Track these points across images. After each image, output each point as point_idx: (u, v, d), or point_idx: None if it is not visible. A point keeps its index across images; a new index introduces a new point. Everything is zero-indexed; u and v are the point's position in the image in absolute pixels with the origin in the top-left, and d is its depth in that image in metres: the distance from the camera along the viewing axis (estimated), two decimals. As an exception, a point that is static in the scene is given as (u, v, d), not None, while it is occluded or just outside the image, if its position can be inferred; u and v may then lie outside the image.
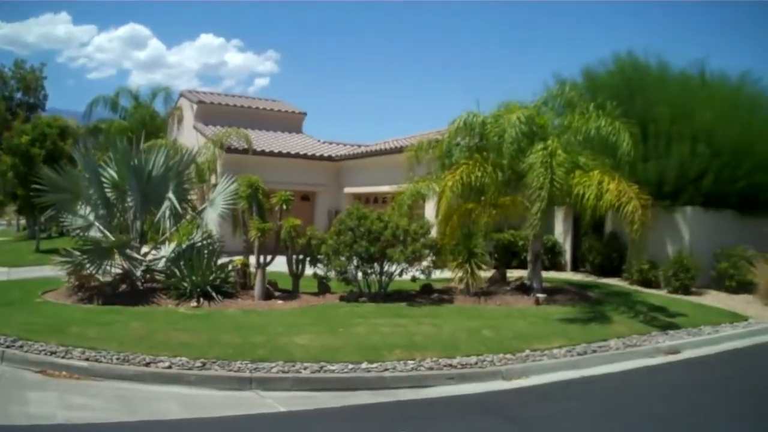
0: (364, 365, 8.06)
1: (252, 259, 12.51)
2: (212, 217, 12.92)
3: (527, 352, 9.15)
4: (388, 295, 12.57)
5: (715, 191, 16.06)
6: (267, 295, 11.98)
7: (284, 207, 12.70)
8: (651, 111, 16.22)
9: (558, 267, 18.96)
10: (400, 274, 12.70)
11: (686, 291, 15.07)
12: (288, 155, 25.56)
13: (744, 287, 15.41)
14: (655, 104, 16.33)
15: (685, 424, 6.68)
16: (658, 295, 14.65)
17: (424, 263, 12.83)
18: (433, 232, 13.55)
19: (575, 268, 18.81)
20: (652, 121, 16.08)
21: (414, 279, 12.95)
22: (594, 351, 9.60)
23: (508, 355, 8.93)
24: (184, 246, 12.89)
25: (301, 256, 13.01)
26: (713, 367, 9.63)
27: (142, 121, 32.05)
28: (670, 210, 16.37)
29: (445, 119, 15.79)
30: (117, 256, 12.20)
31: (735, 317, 12.76)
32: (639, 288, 15.52)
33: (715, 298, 14.78)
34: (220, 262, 12.44)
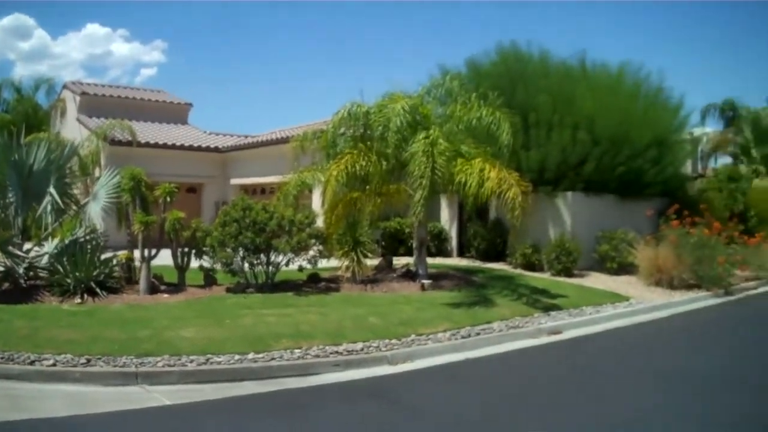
0: (250, 356, 8.26)
1: (136, 253, 12.38)
2: (95, 211, 12.68)
3: (413, 336, 9.57)
4: (275, 286, 12.72)
5: (595, 177, 17.01)
6: (152, 289, 11.92)
7: (168, 199, 12.62)
8: (533, 100, 16.97)
9: (444, 253, 19.63)
10: (287, 264, 12.85)
11: (568, 273, 15.96)
12: (173, 147, 25.44)
13: (625, 269, 16.53)
14: (537, 93, 17.07)
15: (564, 399, 7.19)
16: (542, 278, 15.42)
17: (311, 253, 13.02)
18: (319, 222, 13.77)
19: (461, 254, 19.52)
20: (533, 109, 16.86)
21: (301, 269, 13.13)
22: (478, 334, 10.10)
23: (394, 341, 9.30)
24: (67, 241, 12.58)
25: (186, 249, 13.00)
26: (594, 346, 10.27)
27: (25, 114, 31.19)
28: (552, 196, 17.26)
29: (331, 110, 16.02)
30: (-2, 254, 11.87)
31: (616, 298, 13.67)
32: (523, 272, 16.27)
33: (597, 280, 15.71)
34: (104, 257, 12.25)
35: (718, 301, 14.80)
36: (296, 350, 8.56)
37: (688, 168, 25.64)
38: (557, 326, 11.06)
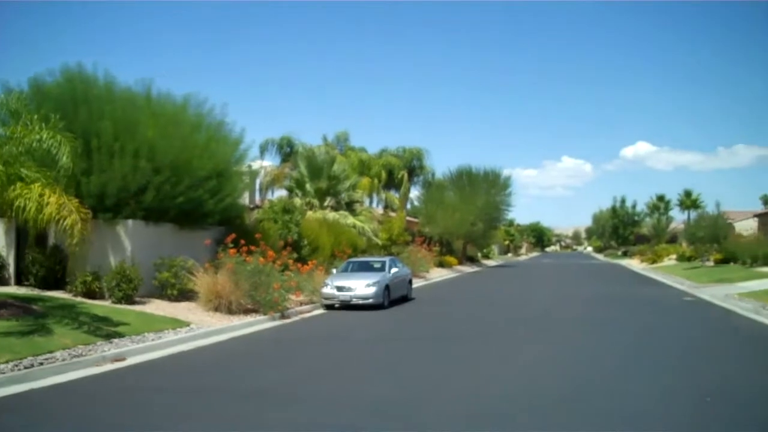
0: None
1: None
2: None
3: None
4: None
5: (156, 205, 18.38)
6: None
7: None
8: (96, 125, 17.66)
9: (2, 281, 19.16)
10: None
11: (130, 301, 17.06)
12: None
13: (185, 295, 18.29)
14: (101, 118, 17.79)
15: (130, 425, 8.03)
16: (103, 305, 16.26)
17: None
18: None
19: (19, 281, 19.23)
20: (96, 134, 17.55)
21: None
22: (41, 363, 10.69)
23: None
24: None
25: None
26: (158, 370, 11.43)
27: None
28: (113, 223, 18.18)
29: None
30: None
31: (178, 323, 15.26)
32: (84, 300, 16.86)
33: (158, 307, 17.09)
34: None
35: (275, 324, 17.39)
36: None
37: (246, 199, 28.47)
38: (121, 353, 12.11)
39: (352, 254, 29.74)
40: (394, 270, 23.47)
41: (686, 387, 9.74)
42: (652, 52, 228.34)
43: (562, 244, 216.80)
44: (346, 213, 35.35)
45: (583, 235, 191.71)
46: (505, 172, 64.58)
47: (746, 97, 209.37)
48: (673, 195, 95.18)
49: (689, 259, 55.08)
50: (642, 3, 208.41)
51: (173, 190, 18.48)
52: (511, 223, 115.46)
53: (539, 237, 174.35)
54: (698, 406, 8.57)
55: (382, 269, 23.17)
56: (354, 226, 34.51)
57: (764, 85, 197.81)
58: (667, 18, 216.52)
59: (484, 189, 60.76)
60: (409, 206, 61.94)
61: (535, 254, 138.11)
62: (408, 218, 53.55)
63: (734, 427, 7.61)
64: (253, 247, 18.87)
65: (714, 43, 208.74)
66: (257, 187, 43.08)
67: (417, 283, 31.80)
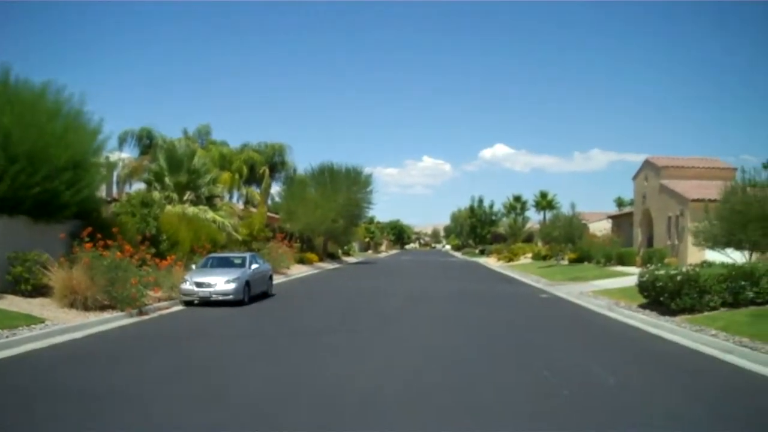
0: None
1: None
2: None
3: None
4: None
5: (11, 196, 17.80)
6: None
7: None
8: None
9: None
10: None
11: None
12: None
13: (40, 291, 17.84)
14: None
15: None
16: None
17: None
18: None
19: None
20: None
21: None
22: None
23: None
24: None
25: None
26: (6, 370, 11.05)
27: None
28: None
29: None
30: None
31: (31, 320, 14.85)
32: None
33: (11, 302, 16.59)
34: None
35: (133, 320, 17.27)
36: None
37: (103, 192, 27.82)
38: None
39: (212, 250, 29.66)
40: (254, 266, 23.72)
41: (534, 370, 10.91)
42: (510, 57, 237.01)
43: (422, 242, 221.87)
44: (206, 208, 35.12)
45: (442, 233, 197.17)
46: (367, 170, 65.56)
47: (603, 104, 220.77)
48: (530, 196, 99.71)
49: (544, 258, 57.93)
50: (497, 3, 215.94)
51: (29, 181, 17.95)
52: (371, 221, 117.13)
53: (399, 235, 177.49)
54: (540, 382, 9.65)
55: (242, 265, 23.34)
56: (214, 222, 34.36)
57: (620, 92, 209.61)
58: (525, 24, 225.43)
59: (345, 186, 61.73)
60: (270, 202, 61.96)
61: (394, 252, 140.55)
62: (269, 214, 53.66)
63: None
64: (110, 242, 18.67)
65: (574, 50, 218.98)
66: (115, 179, 42.03)
67: (278, 280, 32.12)
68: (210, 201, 36.72)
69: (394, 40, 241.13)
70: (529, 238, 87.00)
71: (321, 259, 57.73)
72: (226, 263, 23.92)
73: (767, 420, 8.55)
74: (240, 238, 38.14)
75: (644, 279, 20.03)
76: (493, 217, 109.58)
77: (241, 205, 53.26)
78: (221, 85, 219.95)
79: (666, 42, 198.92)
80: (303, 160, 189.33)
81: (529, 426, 7.93)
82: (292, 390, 9.69)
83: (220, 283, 21.09)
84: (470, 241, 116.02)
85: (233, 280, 21.30)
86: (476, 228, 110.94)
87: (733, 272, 17.96)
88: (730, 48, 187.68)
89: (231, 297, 20.99)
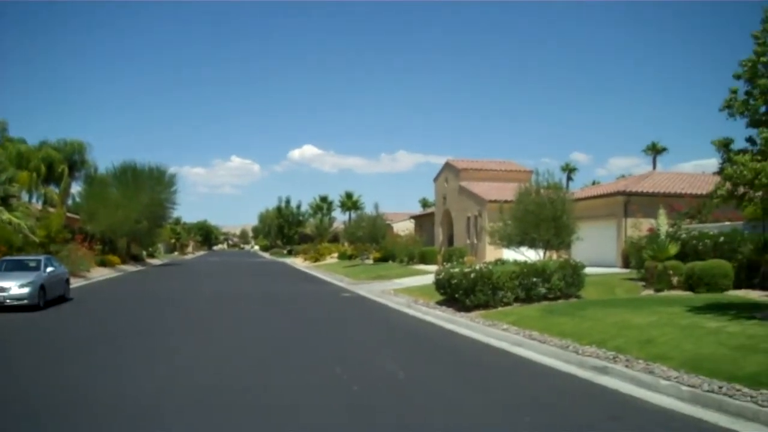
0: None
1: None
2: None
3: None
4: None
5: None
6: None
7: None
8: None
9: None
10: None
11: None
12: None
13: None
14: None
15: None
16: None
17: None
18: None
19: None
20: None
21: None
22: None
23: None
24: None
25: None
26: None
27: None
28: None
29: None
30: None
31: None
32: None
33: None
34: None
35: None
36: None
37: None
38: None
39: (8, 252, 28.99)
40: (49, 269, 23.62)
41: (327, 368, 11.60)
42: (318, 57, 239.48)
43: (230, 242, 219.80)
44: (2, 208, 33.96)
45: (251, 234, 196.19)
46: (172, 170, 65.18)
47: (409, 106, 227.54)
48: (337, 196, 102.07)
49: (350, 257, 59.85)
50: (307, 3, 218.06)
51: None
52: (177, 222, 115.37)
53: (207, 235, 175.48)
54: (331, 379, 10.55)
55: (37, 268, 23.17)
56: (10, 223, 33.32)
57: (426, 95, 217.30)
58: (334, 23, 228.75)
59: (149, 186, 61.04)
60: (71, 202, 60.00)
61: (202, 253, 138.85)
62: (69, 215, 52.13)
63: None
64: None
65: (382, 53, 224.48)
66: None
67: (77, 283, 31.78)
68: (6, 201, 35.46)
69: (201, 38, 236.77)
70: (335, 238, 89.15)
71: (124, 262, 56.69)
72: (20, 266, 23.53)
73: (543, 404, 9.24)
74: (37, 240, 37.08)
75: (440, 277, 21.01)
76: (301, 218, 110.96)
77: (39, 206, 51.29)
78: (17, 76, 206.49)
79: (467, 51, 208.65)
80: (106, 160, 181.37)
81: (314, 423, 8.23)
82: (85, 394, 9.83)
83: (14, 287, 20.93)
84: (278, 242, 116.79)
85: (27, 284, 21.18)
86: (284, 228, 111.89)
87: (525, 269, 19.33)
88: (521, 60, 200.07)
89: (26, 302, 20.90)
